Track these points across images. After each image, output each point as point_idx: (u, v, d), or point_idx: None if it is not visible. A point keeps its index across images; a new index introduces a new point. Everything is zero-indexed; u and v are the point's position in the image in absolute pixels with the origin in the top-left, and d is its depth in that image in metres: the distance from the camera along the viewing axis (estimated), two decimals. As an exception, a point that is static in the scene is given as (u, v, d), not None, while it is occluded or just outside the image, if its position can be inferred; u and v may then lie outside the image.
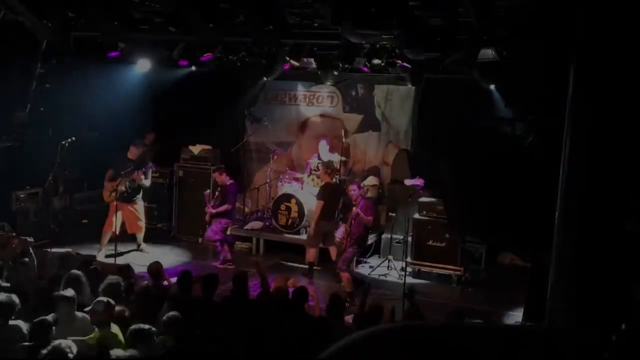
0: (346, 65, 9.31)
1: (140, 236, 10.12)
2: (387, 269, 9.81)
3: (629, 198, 3.22)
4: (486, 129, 6.50)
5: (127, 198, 9.71)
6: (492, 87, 9.06)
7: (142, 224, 10.09)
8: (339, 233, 9.19)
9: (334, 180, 9.32)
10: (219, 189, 9.91)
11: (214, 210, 9.80)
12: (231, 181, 9.99)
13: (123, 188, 9.51)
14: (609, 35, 3.08)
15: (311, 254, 9.43)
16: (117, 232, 9.51)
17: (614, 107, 3.10)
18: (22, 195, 10.01)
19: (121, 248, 9.42)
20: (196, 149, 11.22)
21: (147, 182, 9.92)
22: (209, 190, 10.20)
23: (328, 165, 9.52)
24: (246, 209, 11.38)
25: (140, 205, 10.03)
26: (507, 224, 5.38)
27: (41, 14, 7.93)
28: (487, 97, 9.21)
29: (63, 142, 10.52)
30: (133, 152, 9.90)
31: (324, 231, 9.22)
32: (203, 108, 11.84)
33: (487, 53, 7.63)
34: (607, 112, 3.11)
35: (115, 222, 9.51)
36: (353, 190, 8.84)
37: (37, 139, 10.28)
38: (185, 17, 7.28)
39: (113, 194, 9.46)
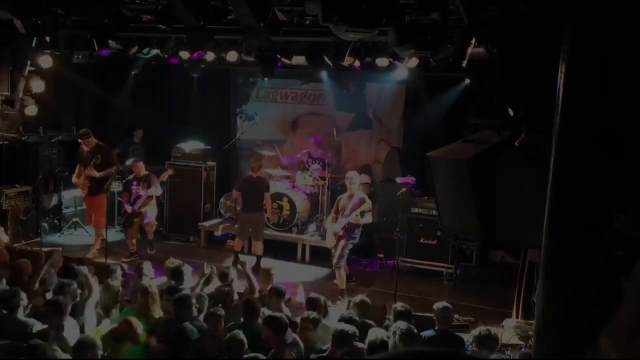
0: (337, 63, 9.27)
1: (99, 231, 9.82)
2: (379, 267, 9.81)
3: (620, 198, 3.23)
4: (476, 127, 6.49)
5: (94, 191, 9.84)
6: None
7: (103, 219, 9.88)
8: (336, 228, 9.06)
9: (258, 172, 9.62)
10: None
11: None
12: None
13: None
14: (601, 30, 3.09)
15: (236, 244, 9.73)
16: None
17: (607, 105, 3.10)
18: (11, 194, 9.94)
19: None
20: (187, 147, 11.17)
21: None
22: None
23: (256, 158, 9.91)
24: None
25: (103, 198, 9.98)
26: (498, 220, 5.38)
27: (30, 11, 7.88)
28: (477, 95, 9.22)
29: (53, 140, 10.46)
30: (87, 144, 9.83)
31: (251, 223, 9.58)
32: (194, 106, 11.79)
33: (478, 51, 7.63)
34: (599, 110, 3.12)
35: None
36: (349, 178, 8.77)
37: (27, 137, 10.22)
38: (175, 14, 7.25)
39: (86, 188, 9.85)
